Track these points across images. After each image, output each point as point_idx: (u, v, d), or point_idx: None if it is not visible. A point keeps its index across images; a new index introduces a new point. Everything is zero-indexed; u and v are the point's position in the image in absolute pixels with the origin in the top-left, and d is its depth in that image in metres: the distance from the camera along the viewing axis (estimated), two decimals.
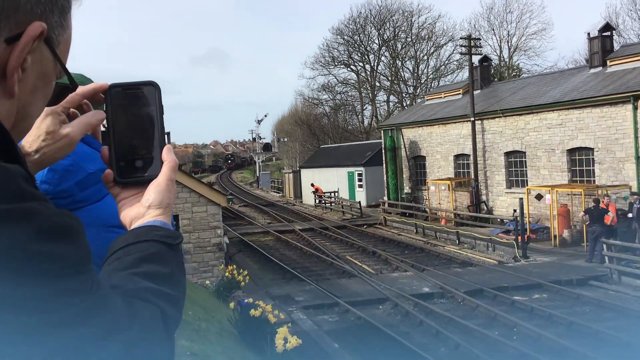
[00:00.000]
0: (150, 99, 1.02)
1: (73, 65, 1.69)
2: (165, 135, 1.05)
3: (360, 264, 21.34)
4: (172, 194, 0.99)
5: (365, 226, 31.26)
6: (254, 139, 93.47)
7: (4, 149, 0.66)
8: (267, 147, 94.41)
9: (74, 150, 1.50)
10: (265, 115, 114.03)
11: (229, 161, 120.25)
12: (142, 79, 1.05)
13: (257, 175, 78.28)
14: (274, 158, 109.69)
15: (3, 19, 0.69)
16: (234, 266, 16.09)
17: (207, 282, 16.05)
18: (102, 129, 1.34)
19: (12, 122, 0.75)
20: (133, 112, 1.01)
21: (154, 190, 0.97)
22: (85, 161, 1.49)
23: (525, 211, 22.71)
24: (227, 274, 15.13)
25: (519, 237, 21.12)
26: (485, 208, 29.70)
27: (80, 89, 1.03)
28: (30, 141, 1.03)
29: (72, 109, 1.08)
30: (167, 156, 1.00)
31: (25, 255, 0.58)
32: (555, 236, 22.67)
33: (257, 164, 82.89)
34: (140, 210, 0.96)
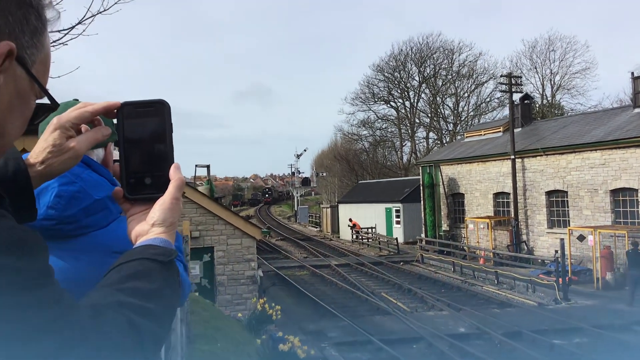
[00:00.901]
0: (161, 117, 1.04)
1: (121, 97, 1.72)
2: (174, 154, 1.06)
3: (395, 302, 21.01)
4: (176, 212, 1.01)
5: (401, 263, 30.89)
6: (293, 173, 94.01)
7: None
8: (305, 182, 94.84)
9: (81, 177, 1.52)
10: (305, 150, 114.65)
11: (267, 195, 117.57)
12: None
13: (295, 209, 78.48)
14: (312, 192, 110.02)
15: None
16: (265, 299, 16.07)
17: (240, 314, 16.02)
18: (115, 157, 1.35)
19: None
20: (144, 129, 1.03)
21: (159, 208, 0.99)
22: (92, 188, 1.51)
23: (567, 252, 22.13)
24: (259, 307, 15.09)
25: (560, 279, 20.54)
26: (526, 248, 29.06)
27: (91, 107, 1.06)
28: (37, 153, 1.07)
29: (83, 125, 1.11)
30: (174, 174, 1.02)
31: None
32: (597, 279, 21.97)
33: (295, 198, 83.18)
34: (145, 227, 0.99)
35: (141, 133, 1.03)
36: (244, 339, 11.51)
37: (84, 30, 6.56)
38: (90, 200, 1.48)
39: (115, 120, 1.06)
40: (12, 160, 1.05)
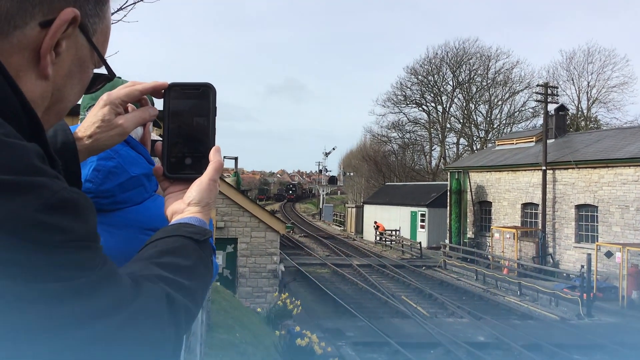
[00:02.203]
0: (206, 100, 1.06)
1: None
2: (215, 137, 1.08)
3: (415, 306, 20.90)
4: (212, 193, 1.03)
5: (424, 267, 30.71)
6: (320, 171, 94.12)
7: (28, 129, 0.70)
8: (332, 180, 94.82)
9: (119, 153, 1.54)
10: (334, 149, 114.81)
11: (290, 191, 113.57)
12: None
13: (320, 207, 78.55)
14: (338, 192, 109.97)
15: (37, 4, 0.73)
16: (287, 294, 16.11)
17: (259, 309, 16.09)
18: (154, 137, 1.37)
19: (47, 103, 0.79)
20: (189, 111, 1.06)
21: (196, 188, 1.02)
22: (129, 164, 1.53)
23: (593, 268, 21.77)
24: (279, 301, 15.15)
25: (585, 295, 20.21)
26: (551, 261, 28.66)
27: (141, 85, 1.09)
28: (86, 127, 1.11)
29: (130, 104, 1.14)
30: (214, 157, 1.04)
31: (30, 225, 0.59)
32: (623, 297, 21.57)
33: (321, 196, 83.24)
34: (181, 206, 1.02)
35: (186, 114, 1.06)
36: (262, 331, 11.56)
37: (124, 16, 6.65)
38: (127, 177, 1.51)
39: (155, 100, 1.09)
40: (61, 132, 1.09)
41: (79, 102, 1.17)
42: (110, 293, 0.67)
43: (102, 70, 0.91)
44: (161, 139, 1.09)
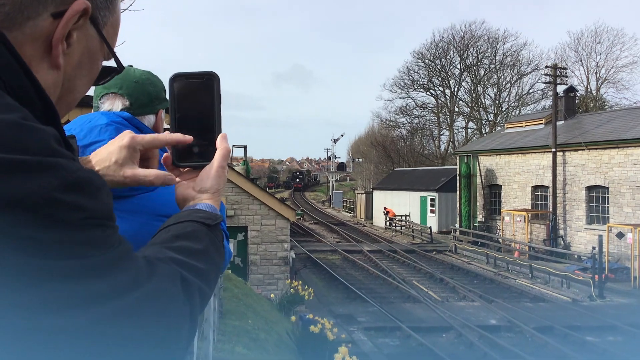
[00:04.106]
0: (210, 89, 1.08)
1: (161, 74, 1.78)
2: (222, 124, 1.10)
3: (426, 290, 20.94)
4: (221, 180, 1.06)
5: (434, 252, 30.72)
6: (329, 158, 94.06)
7: (43, 115, 0.71)
8: (341, 167, 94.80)
9: None
10: (342, 135, 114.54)
11: (297, 179, 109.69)
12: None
13: (330, 194, 78.60)
14: (347, 178, 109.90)
15: None
16: (300, 282, 16.18)
17: (272, 295, 16.17)
18: (166, 125, 1.38)
19: (58, 93, 0.82)
20: (193, 100, 1.08)
21: (205, 176, 1.05)
22: None
23: (605, 249, 21.70)
24: (291, 288, 15.22)
25: (596, 276, 20.18)
26: (562, 243, 28.59)
27: (166, 139, 1.08)
28: (97, 161, 1.11)
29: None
30: (221, 144, 1.07)
31: (47, 203, 0.60)
32: (635, 277, 21.51)
33: (330, 182, 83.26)
34: (192, 193, 1.05)
35: (191, 103, 1.08)
36: (275, 318, 11.63)
37: (130, 5, 6.65)
38: None
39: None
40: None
41: (89, 93, 1.17)
42: (126, 272, 0.69)
43: (111, 63, 0.93)
44: (169, 127, 1.10)
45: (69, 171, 0.64)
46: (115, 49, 0.91)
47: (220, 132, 1.08)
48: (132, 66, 1.80)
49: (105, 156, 1.09)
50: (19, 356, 0.57)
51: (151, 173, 1.10)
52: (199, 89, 1.07)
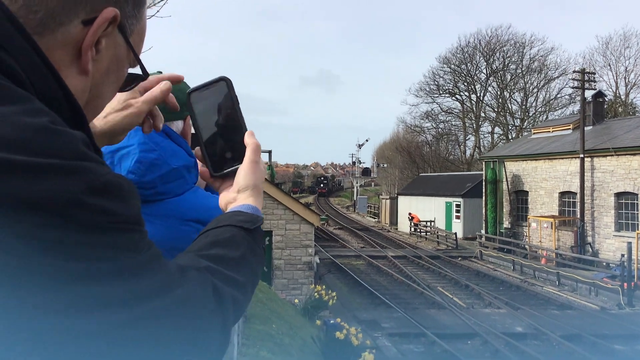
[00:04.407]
0: (225, 94, 1.09)
1: (190, 80, 1.83)
2: (245, 123, 1.11)
3: (451, 296, 20.79)
4: (257, 174, 1.07)
5: (459, 258, 30.48)
6: (353, 163, 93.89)
7: (72, 120, 0.72)
8: (366, 172, 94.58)
9: (160, 146, 1.59)
10: (367, 140, 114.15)
11: (322, 184, 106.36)
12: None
13: (354, 199, 78.47)
14: (372, 183, 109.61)
15: (81, 2, 0.76)
16: (324, 286, 16.17)
17: (296, 300, 16.19)
18: (193, 131, 1.41)
19: (86, 99, 0.83)
20: (214, 109, 1.09)
21: (240, 174, 1.06)
22: (170, 157, 1.57)
23: (634, 257, 21.31)
24: (315, 293, 15.22)
25: (625, 284, 19.84)
26: (590, 250, 28.15)
27: (163, 76, 1.14)
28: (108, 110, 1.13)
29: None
30: (249, 140, 1.08)
31: (75, 206, 0.61)
32: None
33: (355, 187, 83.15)
34: (231, 195, 1.05)
35: (212, 113, 1.09)
36: (299, 323, 11.65)
37: (157, 12, 6.74)
38: (168, 169, 1.55)
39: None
40: None
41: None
42: (155, 276, 0.68)
43: (136, 70, 0.94)
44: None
45: (97, 175, 0.64)
46: (141, 56, 0.93)
47: (245, 130, 1.10)
48: (161, 72, 1.83)
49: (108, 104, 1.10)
50: (45, 358, 0.57)
51: (152, 89, 1.14)
52: (215, 96, 1.09)
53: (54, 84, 0.71)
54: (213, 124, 1.09)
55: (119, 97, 1.12)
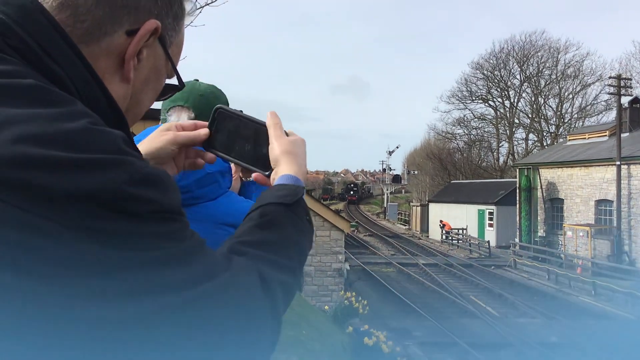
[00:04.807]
0: (227, 116, 1.13)
1: (225, 87, 1.84)
2: (256, 117, 1.14)
3: (484, 306, 20.48)
4: (282, 141, 1.07)
5: (493, 267, 30.06)
6: (384, 170, 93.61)
7: (114, 122, 0.77)
8: (396, 179, 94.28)
9: None
10: (397, 147, 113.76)
11: (352, 192, 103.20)
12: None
13: (385, 206, 78.23)
14: (402, 190, 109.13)
15: (125, 14, 0.81)
16: (354, 293, 16.09)
17: (326, 307, 16.13)
18: None
19: (126, 105, 0.87)
20: (227, 131, 1.12)
21: (271, 151, 1.07)
22: None
23: None
24: (345, 300, 15.15)
25: None
26: (627, 259, 27.50)
27: (201, 135, 1.13)
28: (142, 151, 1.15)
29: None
30: (269, 122, 1.10)
31: (118, 197, 0.63)
32: None
33: (385, 194, 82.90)
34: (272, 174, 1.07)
35: (231, 135, 1.12)
36: (329, 330, 11.58)
37: (192, 21, 6.78)
38: (203, 173, 1.62)
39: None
40: None
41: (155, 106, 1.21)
42: (200, 263, 0.71)
43: (173, 81, 0.98)
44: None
45: (138, 167, 0.67)
46: (177, 67, 0.97)
47: (262, 123, 1.11)
48: (197, 80, 1.90)
49: (147, 149, 1.10)
50: (93, 343, 0.60)
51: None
52: (222, 123, 1.12)
53: (97, 90, 0.76)
54: (237, 141, 1.11)
55: (161, 148, 1.12)
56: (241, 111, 1.14)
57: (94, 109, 0.71)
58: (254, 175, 1.11)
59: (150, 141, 1.12)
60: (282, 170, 1.04)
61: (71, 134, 0.64)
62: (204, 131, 1.13)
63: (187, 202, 1.57)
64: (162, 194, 0.68)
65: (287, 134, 1.11)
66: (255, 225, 0.92)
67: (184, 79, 1.00)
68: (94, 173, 0.63)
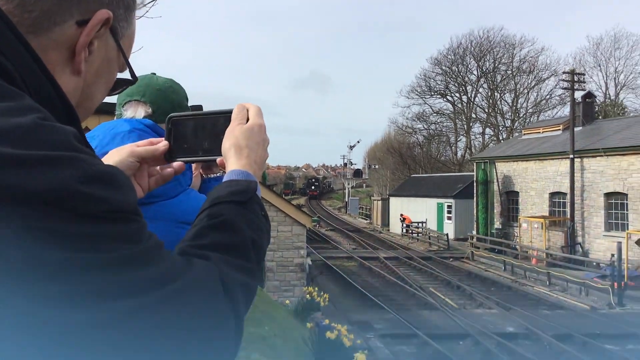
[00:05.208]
0: (179, 120, 1.12)
1: (182, 81, 1.82)
2: (210, 110, 1.13)
3: (443, 297, 20.84)
4: (236, 133, 1.04)
5: (451, 259, 30.56)
6: (345, 165, 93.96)
7: (64, 118, 0.73)
8: (357, 173, 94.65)
9: None
10: (358, 142, 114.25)
11: (313, 187, 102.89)
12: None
13: (346, 200, 78.51)
14: (363, 185, 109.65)
15: (75, 4, 0.78)
16: (316, 288, 16.18)
17: (287, 301, 16.18)
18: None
19: (77, 99, 0.84)
20: (188, 134, 1.11)
21: (225, 139, 1.05)
22: None
23: (624, 256, 21.45)
24: (307, 295, 15.23)
25: (615, 283, 19.95)
26: (581, 250, 28.30)
27: (161, 149, 1.11)
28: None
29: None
30: (232, 114, 1.08)
31: (70, 196, 0.60)
32: None
33: (346, 189, 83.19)
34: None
35: (195, 139, 1.11)
36: (291, 325, 11.65)
37: (146, 12, 6.72)
38: None
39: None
40: None
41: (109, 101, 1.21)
42: (158, 266, 0.67)
43: (125, 74, 0.95)
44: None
45: (91, 164, 0.64)
46: (130, 59, 0.94)
47: (226, 113, 1.09)
48: (154, 74, 1.83)
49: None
50: (44, 349, 0.57)
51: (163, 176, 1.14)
52: (179, 129, 1.12)
53: (47, 83, 0.72)
54: (198, 139, 1.10)
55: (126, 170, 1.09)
56: (201, 106, 1.13)
57: (43, 104, 0.68)
58: (218, 160, 1.08)
59: (107, 159, 1.08)
60: (230, 165, 1.00)
61: (19, 129, 0.61)
62: (162, 144, 1.11)
63: (146, 201, 1.47)
64: (116, 193, 0.65)
65: (247, 120, 1.07)
66: (210, 227, 0.87)
67: (142, 73, 0.97)
68: (44, 171, 0.59)
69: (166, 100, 1.75)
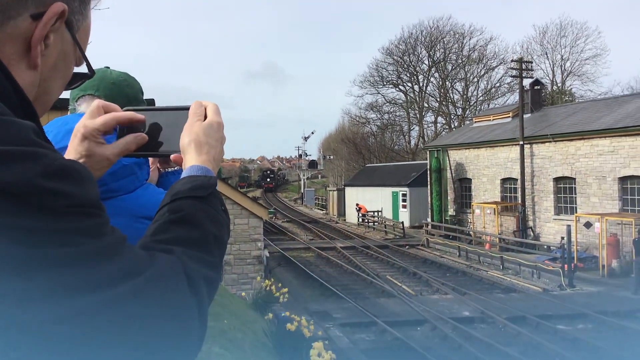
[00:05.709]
0: (137, 110, 1.12)
1: (133, 73, 1.78)
2: (171, 105, 1.13)
3: (400, 284, 21.10)
4: (195, 128, 1.03)
5: (407, 247, 30.97)
6: (300, 156, 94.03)
7: (21, 112, 0.72)
8: (312, 164, 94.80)
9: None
10: (312, 132, 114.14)
11: (268, 179, 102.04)
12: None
13: (302, 191, 78.61)
14: (319, 175, 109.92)
15: None
16: (273, 280, 16.15)
17: (243, 293, 16.11)
18: None
19: (34, 94, 0.82)
20: (143, 129, 1.11)
21: (183, 135, 1.04)
22: None
23: (573, 239, 22.11)
24: (266, 287, 15.19)
25: (566, 265, 20.55)
26: (532, 234, 29.06)
27: (115, 116, 1.09)
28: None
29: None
30: (190, 110, 1.08)
31: (32, 191, 0.60)
32: (603, 266, 21.98)
33: (302, 180, 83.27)
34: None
35: (151, 134, 1.10)
36: (250, 318, 11.61)
37: (95, 5, 6.57)
38: (119, 165, 1.52)
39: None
40: None
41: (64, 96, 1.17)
42: (121, 261, 0.67)
43: (82, 69, 0.94)
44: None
45: (52, 159, 0.63)
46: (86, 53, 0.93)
47: (183, 109, 1.09)
48: (108, 68, 1.80)
49: (73, 155, 1.07)
50: (9, 346, 0.57)
51: (127, 137, 1.10)
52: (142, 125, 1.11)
53: (2, 78, 0.71)
54: (155, 133, 1.10)
55: (87, 151, 1.08)
56: (153, 100, 1.12)
57: (0, 99, 0.68)
58: (172, 156, 1.08)
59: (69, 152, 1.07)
60: (190, 161, 0.99)
61: None
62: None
63: (104, 196, 1.46)
64: (79, 187, 0.65)
65: (206, 117, 1.06)
66: (172, 221, 0.87)
67: (94, 67, 0.96)
68: (4, 166, 0.59)
69: (121, 94, 1.72)
